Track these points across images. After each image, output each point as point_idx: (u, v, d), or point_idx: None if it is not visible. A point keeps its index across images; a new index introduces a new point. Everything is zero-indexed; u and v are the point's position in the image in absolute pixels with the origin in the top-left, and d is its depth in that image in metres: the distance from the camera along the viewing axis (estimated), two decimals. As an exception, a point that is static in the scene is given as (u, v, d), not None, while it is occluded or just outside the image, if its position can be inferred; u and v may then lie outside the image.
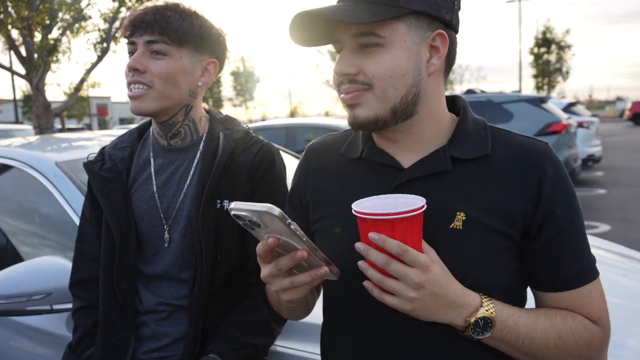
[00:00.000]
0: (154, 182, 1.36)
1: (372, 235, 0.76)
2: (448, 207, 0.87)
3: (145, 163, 1.40)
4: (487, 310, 0.82)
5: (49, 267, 1.57)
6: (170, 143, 1.38)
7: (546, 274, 0.89)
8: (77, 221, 1.76)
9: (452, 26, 0.90)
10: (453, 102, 1.00)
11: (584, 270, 0.89)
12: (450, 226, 0.87)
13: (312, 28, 0.89)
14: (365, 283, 0.82)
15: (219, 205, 1.31)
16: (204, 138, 1.38)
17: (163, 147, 1.39)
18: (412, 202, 0.82)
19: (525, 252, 0.89)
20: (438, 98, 0.93)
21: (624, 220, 6.88)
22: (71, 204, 1.82)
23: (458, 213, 0.87)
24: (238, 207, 0.78)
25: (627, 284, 2.02)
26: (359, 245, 0.79)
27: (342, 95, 0.91)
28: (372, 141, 0.97)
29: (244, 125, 1.46)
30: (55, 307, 1.57)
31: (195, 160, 1.35)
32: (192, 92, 1.34)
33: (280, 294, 0.85)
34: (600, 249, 2.47)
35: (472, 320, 0.81)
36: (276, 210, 0.74)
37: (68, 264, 1.58)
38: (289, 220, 0.76)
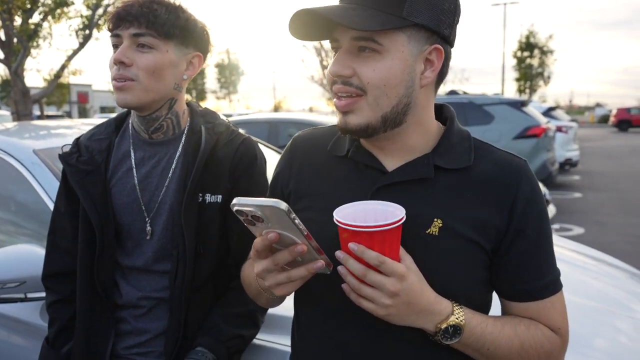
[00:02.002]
0: (135, 175, 1.35)
1: (352, 245, 0.79)
2: (426, 213, 0.90)
3: (125, 155, 1.38)
4: (457, 318, 0.86)
5: (23, 255, 1.55)
6: (152, 137, 1.37)
7: (512, 287, 0.94)
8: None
9: (449, 41, 0.92)
10: (440, 111, 1.02)
11: (548, 284, 0.94)
12: (427, 231, 0.89)
13: (313, 24, 0.90)
14: (344, 286, 0.85)
15: (200, 198, 1.32)
16: (185, 131, 1.38)
17: (144, 140, 1.38)
18: (391, 212, 0.84)
19: (494, 263, 0.93)
20: (427, 108, 0.95)
21: (598, 223, 7.03)
22: (48, 192, 1.79)
23: (435, 220, 0.90)
24: (242, 203, 0.78)
25: (597, 286, 2.07)
26: (338, 254, 0.82)
27: (335, 100, 0.92)
28: (358, 141, 0.99)
29: (224, 119, 1.46)
30: (30, 295, 1.55)
31: (177, 154, 1.35)
32: (177, 86, 1.34)
33: (273, 288, 0.87)
34: (574, 252, 2.52)
35: (443, 326, 0.85)
36: (283, 205, 0.75)
37: (43, 252, 1.57)
38: (294, 215, 0.77)
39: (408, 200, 0.89)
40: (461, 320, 0.86)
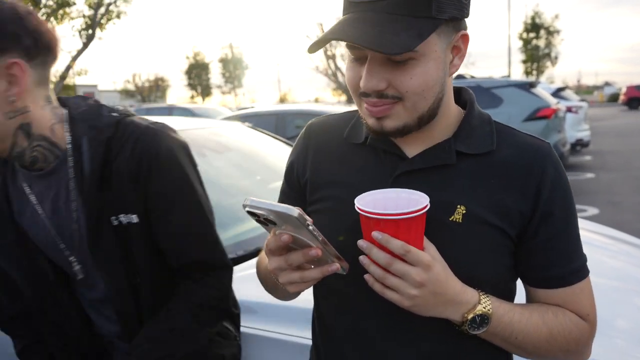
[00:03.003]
0: (41, 212, 1.18)
1: (376, 234, 0.77)
2: (449, 200, 0.87)
3: (22, 193, 1.20)
4: (484, 307, 0.84)
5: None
6: (34, 171, 1.16)
7: (540, 273, 0.91)
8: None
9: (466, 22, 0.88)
10: (458, 94, 0.99)
11: (576, 270, 0.91)
12: (450, 219, 0.87)
13: (328, 41, 0.84)
14: (367, 276, 0.83)
15: (115, 222, 1.14)
16: (69, 152, 1.14)
17: (32, 175, 1.17)
18: (414, 199, 0.81)
19: (520, 250, 0.90)
20: (450, 94, 0.92)
21: (612, 203, 6.96)
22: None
23: (458, 206, 0.87)
24: (254, 205, 0.76)
25: (616, 266, 2.05)
26: (361, 243, 0.80)
27: (365, 106, 0.87)
28: None
29: (118, 109, 1.22)
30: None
31: (70, 180, 1.15)
32: (12, 113, 1.06)
33: (287, 286, 0.85)
34: (590, 232, 2.49)
35: (470, 316, 0.83)
36: (295, 212, 0.73)
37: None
38: (308, 222, 0.75)
39: (430, 187, 0.86)
40: (488, 310, 0.84)
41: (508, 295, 0.94)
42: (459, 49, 0.87)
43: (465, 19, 0.86)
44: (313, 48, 0.84)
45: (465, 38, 0.87)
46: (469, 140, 0.91)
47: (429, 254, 0.80)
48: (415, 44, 0.77)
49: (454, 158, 0.89)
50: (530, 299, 0.95)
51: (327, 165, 0.99)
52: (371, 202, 0.83)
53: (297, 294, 1.01)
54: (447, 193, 0.88)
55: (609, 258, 2.11)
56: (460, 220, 0.87)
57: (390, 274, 0.79)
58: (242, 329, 1.40)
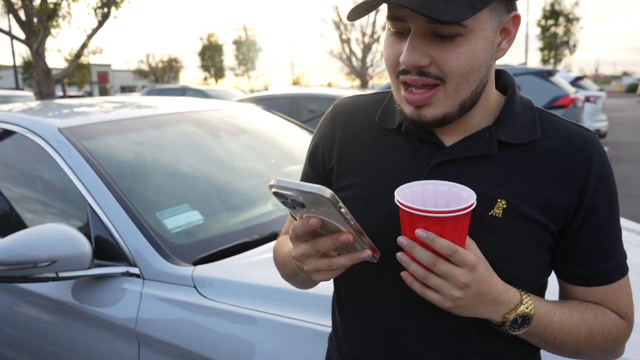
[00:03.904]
0: None
1: (420, 232, 0.72)
2: (489, 193, 0.82)
3: None
4: (526, 308, 0.80)
5: (54, 234, 1.55)
6: None
7: (582, 269, 0.87)
8: (81, 188, 1.74)
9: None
10: (498, 77, 0.92)
11: (618, 267, 0.88)
12: (490, 213, 0.82)
13: (373, 7, 0.77)
14: (404, 274, 0.78)
15: None
16: None
17: None
18: (456, 193, 0.77)
19: (562, 245, 0.86)
20: (493, 79, 0.86)
21: (628, 195, 6.86)
22: (75, 170, 1.79)
23: (499, 200, 0.82)
24: (282, 185, 0.71)
25: (631, 259, 2.01)
26: (402, 240, 0.75)
27: (403, 92, 0.81)
28: None
29: None
30: (61, 274, 1.56)
31: None
32: None
33: (312, 274, 0.80)
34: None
35: (511, 317, 0.80)
36: (328, 192, 0.68)
37: (73, 232, 1.57)
38: (341, 204, 0.70)
39: (468, 179, 0.81)
40: (530, 310, 0.80)
41: (541, 290, 0.91)
42: (508, 32, 0.82)
43: (517, 1, 0.81)
44: (355, 14, 0.79)
45: (517, 20, 0.81)
46: (511, 129, 0.85)
47: (472, 251, 0.76)
48: (468, 14, 0.71)
49: (496, 148, 0.84)
50: (566, 295, 0.91)
51: (357, 150, 0.93)
52: (409, 194, 0.77)
53: (316, 282, 0.98)
54: (486, 186, 0.82)
55: (634, 254, 2.08)
56: (500, 215, 0.82)
57: (432, 273, 0.74)
58: (257, 314, 1.40)
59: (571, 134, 0.86)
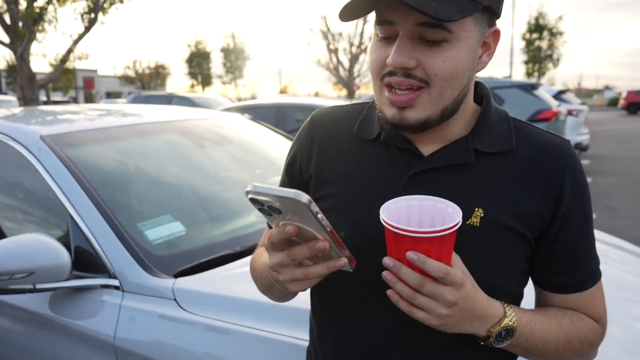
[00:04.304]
0: None
1: (411, 255, 0.72)
2: (466, 202, 0.83)
3: None
4: (510, 321, 0.81)
5: (32, 245, 1.52)
6: None
7: (558, 278, 0.89)
8: (62, 197, 1.72)
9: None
10: (474, 89, 0.93)
11: (592, 273, 0.90)
12: (467, 222, 0.83)
13: (364, 5, 0.79)
14: (390, 293, 0.78)
15: None
16: None
17: None
18: (441, 209, 0.77)
19: (538, 254, 0.88)
20: (472, 92, 0.88)
21: (609, 208, 6.96)
22: (56, 179, 1.77)
23: (476, 209, 0.83)
24: (258, 191, 0.70)
25: (608, 272, 2.02)
26: (387, 262, 0.75)
27: (387, 94, 0.82)
28: None
29: None
30: (39, 286, 1.53)
31: None
32: None
33: (288, 284, 0.80)
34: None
35: (496, 331, 0.81)
36: (305, 198, 0.67)
37: (52, 243, 1.54)
38: (318, 209, 0.69)
39: (446, 188, 0.83)
40: (514, 322, 0.81)
41: (518, 298, 0.92)
42: (488, 46, 0.84)
43: (499, 18, 0.84)
44: (348, 13, 0.79)
45: (497, 35, 0.84)
46: (487, 138, 0.87)
47: (457, 267, 0.76)
48: (457, 16, 0.73)
49: (473, 157, 0.85)
50: (543, 302, 0.93)
51: (334, 160, 0.94)
52: (394, 211, 0.78)
53: (293, 294, 0.98)
54: (464, 195, 0.84)
55: (602, 264, 2.10)
56: (478, 224, 0.83)
57: (419, 293, 0.74)
58: (238, 328, 1.38)
59: (546, 143, 0.88)
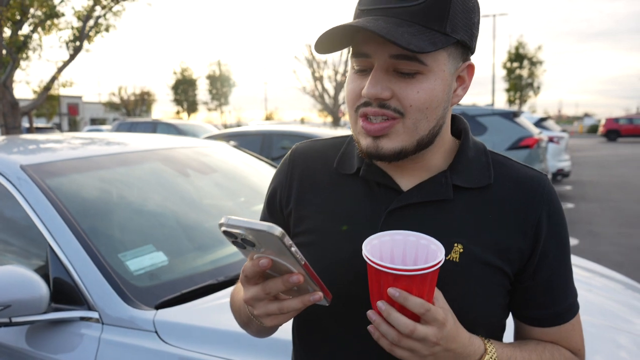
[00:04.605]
0: None
1: (393, 292, 0.71)
2: (446, 238, 0.82)
3: None
4: (491, 358, 0.81)
5: (8, 277, 1.49)
6: None
7: (538, 311, 0.90)
8: (41, 227, 1.69)
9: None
10: (452, 122, 0.95)
11: (571, 306, 0.91)
12: (447, 257, 0.82)
13: (340, 37, 0.80)
14: (371, 329, 0.77)
15: None
16: None
17: None
18: (424, 245, 0.77)
19: (518, 288, 0.88)
20: (448, 124, 0.89)
21: (591, 234, 7.03)
22: (35, 209, 1.74)
23: (455, 245, 0.83)
24: (231, 224, 0.69)
25: (592, 300, 2.04)
26: (380, 305, 0.73)
27: (361, 122, 0.82)
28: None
29: None
30: (15, 319, 1.49)
31: None
32: None
33: (263, 318, 0.78)
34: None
35: None
36: (277, 231, 0.67)
37: (30, 274, 1.51)
38: (291, 242, 0.69)
39: (425, 224, 0.84)
40: (495, 358, 0.81)
41: (500, 332, 0.92)
42: (463, 80, 0.86)
43: (473, 52, 0.85)
44: (323, 45, 0.80)
45: (471, 69, 0.86)
46: (466, 173, 0.87)
47: (440, 305, 0.75)
48: (429, 48, 0.74)
49: (451, 193, 0.85)
50: (523, 335, 0.94)
51: (314, 195, 0.94)
52: (377, 246, 0.77)
53: (272, 331, 0.97)
54: (443, 230, 0.84)
55: (586, 292, 2.12)
56: (457, 260, 0.83)
57: (405, 337, 0.73)
58: (220, 361, 1.36)
59: (524, 178, 0.89)
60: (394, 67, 0.79)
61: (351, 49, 0.83)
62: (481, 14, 0.87)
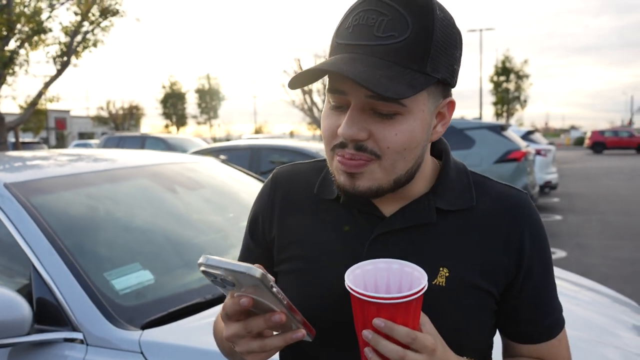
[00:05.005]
0: None
1: (378, 322, 0.69)
2: (431, 262, 0.82)
3: None
4: None
5: (-10, 298, 1.46)
6: None
7: (526, 327, 0.90)
8: (24, 247, 1.66)
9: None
10: (432, 143, 0.92)
11: (557, 322, 0.91)
12: (433, 282, 0.81)
13: (314, 75, 0.78)
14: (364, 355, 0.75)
15: None
16: None
17: None
18: (408, 273, 0.76)
19: (505, 307, 0.88)
20: (428, 154, 0.87)
21: (579, 246, 7.08)
22: (18, 227, 1.71)
23: (441, 269, 0.83)
24: (210, 264, 0.68)
25: (580, 314, 2.05)
26: (366, 334, 0.71)
27: (337, 158, 0.80)
28: None
29: None
30: (-4, 341, 1.45)
31: None
32: None
33: (245, 355, 0.76)
34: (557, 279, 2.50)
35: None
36: (258, 272, 0.66)
37: (11, 295, 1.48)
38: (272, 283, 0.68)
39: (410, 249, 0.83)
40: None
41: (488, 351, 0.92)
42: (443, 116, 0.84)
43: (452, 89, 0.84)
44: (297, 82, 0.78)
45: (452, 105, 0.84)
46: (448, 196, 0.86)
47: (427, 331, 0.74)
48: (408, 93, 0.72)
49: (434, 216, 0.84)
50: (510, 352, 0.93)
51: (297, 221, 0.92)
52: (360, 275, 0.76)
53: None
54: (428, 255, 0.83)
55: (574, 306, 2.12)
56: (443, 284, 0.82)
57: None
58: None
59: (504, 197, 0.88)
60: (371, 106, 0.76)
61: (327, 82, 0.80)
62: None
